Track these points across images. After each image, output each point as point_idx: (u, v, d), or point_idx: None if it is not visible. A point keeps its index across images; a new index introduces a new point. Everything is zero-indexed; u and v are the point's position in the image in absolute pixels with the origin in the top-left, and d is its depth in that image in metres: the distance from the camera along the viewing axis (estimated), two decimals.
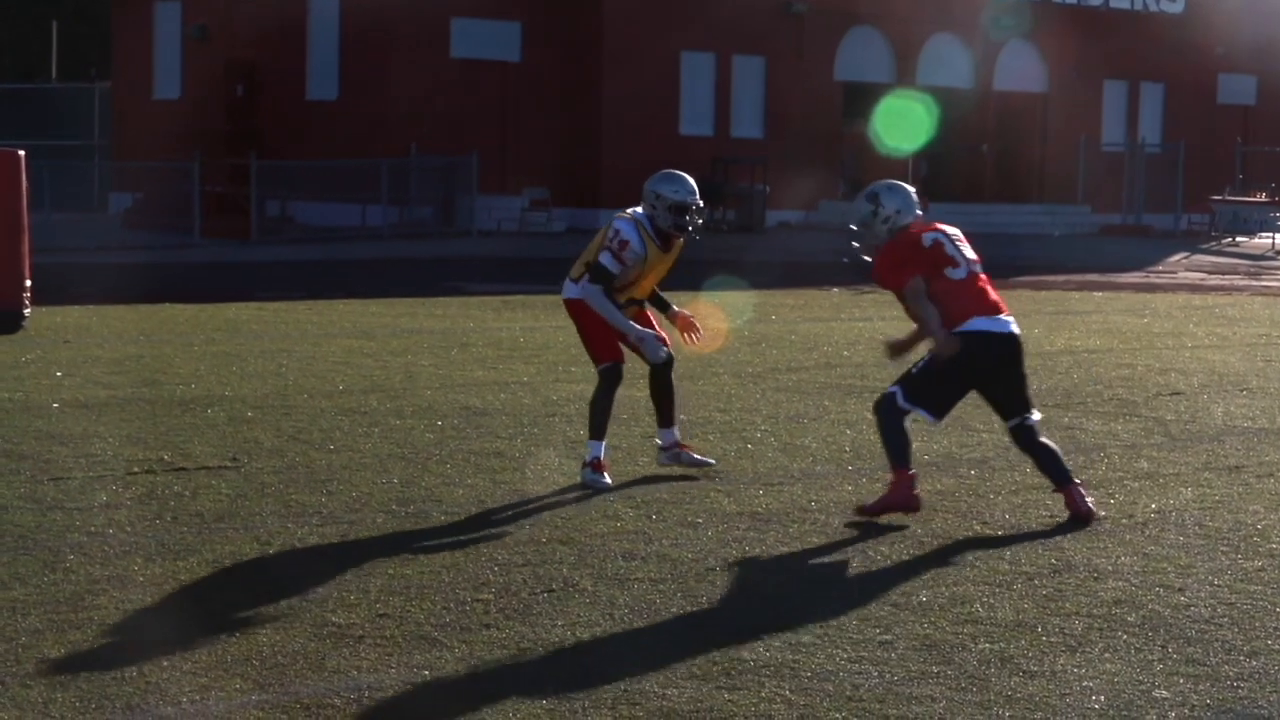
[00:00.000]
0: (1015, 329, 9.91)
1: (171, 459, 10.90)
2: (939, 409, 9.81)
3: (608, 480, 10.41)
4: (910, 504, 9.54)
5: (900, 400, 9.85)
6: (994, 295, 9.94)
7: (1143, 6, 51.40)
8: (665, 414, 11.05)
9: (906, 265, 9.77)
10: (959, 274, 9.73)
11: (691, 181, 11.07)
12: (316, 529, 9.11)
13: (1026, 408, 9.93)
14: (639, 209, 10.99)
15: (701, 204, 10.99)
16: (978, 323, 9.76)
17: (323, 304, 22.64)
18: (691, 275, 27.30)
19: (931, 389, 9.79)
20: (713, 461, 11.08)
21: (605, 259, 10.59)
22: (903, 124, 45.13)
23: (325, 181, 37.72)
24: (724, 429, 12.65)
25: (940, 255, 9.74)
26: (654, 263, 10.92)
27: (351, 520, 9.33)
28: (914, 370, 9.95)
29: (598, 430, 10.61)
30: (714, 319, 16.80)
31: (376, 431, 12.13)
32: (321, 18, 41.39)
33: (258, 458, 11.10)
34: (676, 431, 11.05)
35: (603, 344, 10.97)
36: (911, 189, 9.48)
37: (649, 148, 41.55)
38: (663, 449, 11.04)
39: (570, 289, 11.17)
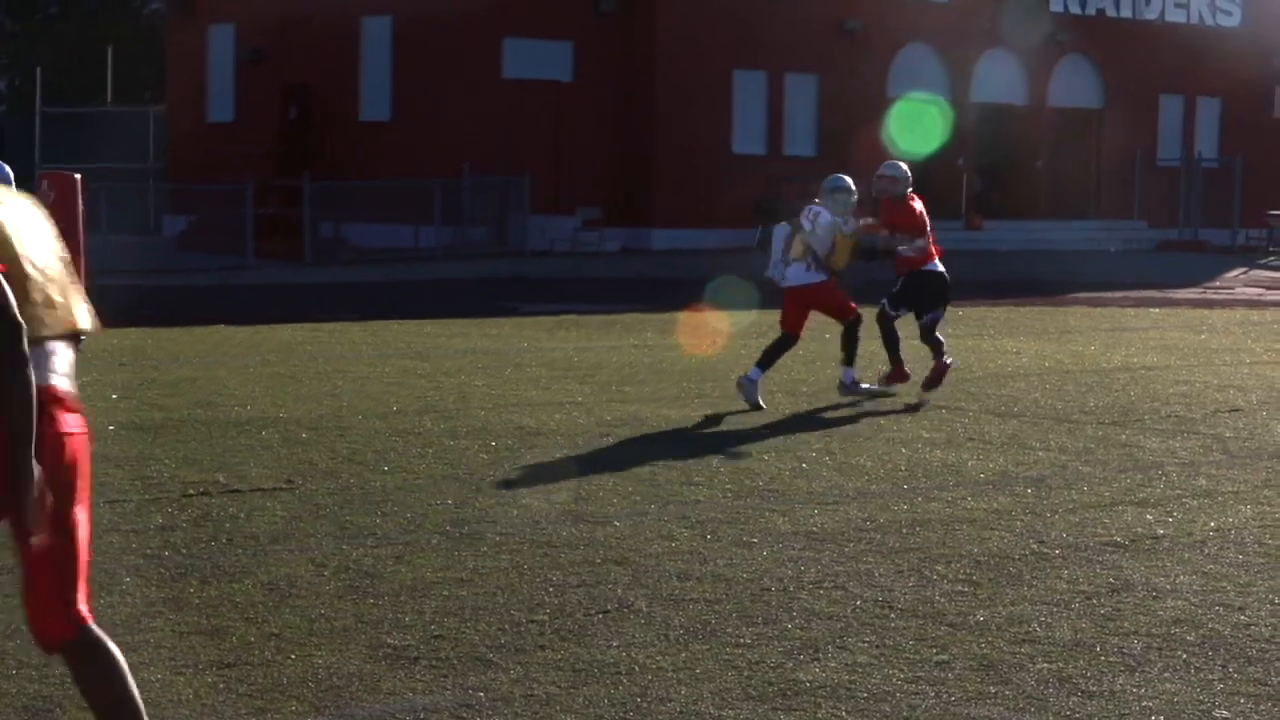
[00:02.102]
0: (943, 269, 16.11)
1: (227, 481, 10.95)
2: (904, 309, 15.96)
3: (865, 386, 15.63)
4: (903, 378, 15.84)
5: (888, 308, 15.98)
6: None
7: (1199, 20, 51.20)
8: (849, 356, 15.57)
9: (913, 218, 16.03)
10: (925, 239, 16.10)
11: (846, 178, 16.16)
12: (371, 550, 9.13)
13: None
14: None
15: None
16: (931, 265, 15.96)
17: (376, 325, 22.71)
18: (747, 294, 27.30)
19: (903, 301, 15.99)
20: (893, 391, 15.76)
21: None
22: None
23: (378, 203, 37.85)
24: (778, 448, 12.63)
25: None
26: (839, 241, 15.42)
27: (406, 541, 9.35)
28: (893, 290, 16.03)
29: (850, 359, 15.57)
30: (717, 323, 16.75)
31: (430, 452, 12.15)
32: (374, 39, 41.56)
33: (312, 479, 11.14)
34: (855, 372, 15.57)
35: (842, 302, 15.62)
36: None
37: (701, 167, 41.59)
38: (842, 384, 15.55)
39: (793, 276, 15.57)
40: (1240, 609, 8.06)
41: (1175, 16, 50.74)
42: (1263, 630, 7.70)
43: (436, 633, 7.57)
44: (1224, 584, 8.53)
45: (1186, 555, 9.18)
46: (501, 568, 8.76)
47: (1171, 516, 10.21)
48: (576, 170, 40.01)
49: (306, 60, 41.65)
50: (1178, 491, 11.07)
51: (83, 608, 5.15)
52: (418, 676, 6.98)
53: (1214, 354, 20.09)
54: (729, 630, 7.66)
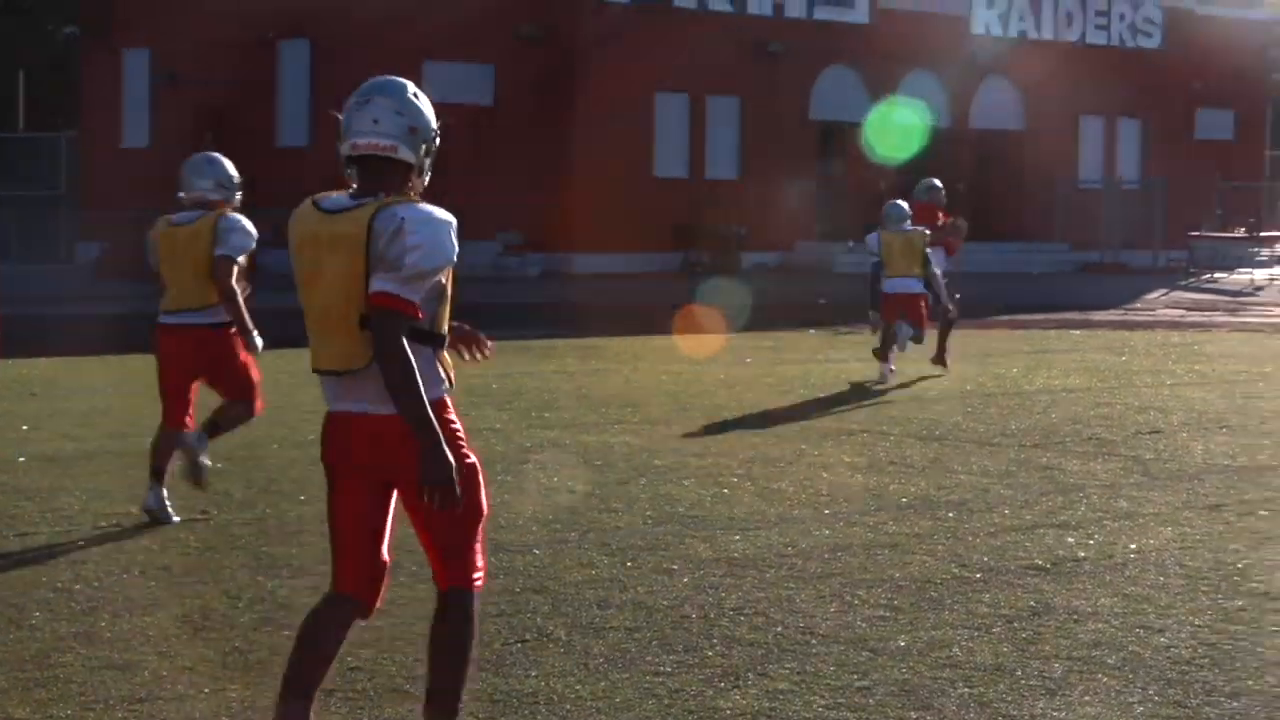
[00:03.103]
0: None
1: (140, 513, 10.86)
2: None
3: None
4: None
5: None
6: None
7: (1119, 42, 51.68)
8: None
9: None
10: None
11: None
12: (287, 581, 9.08)
13: None
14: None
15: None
16: None
17: (294, 353, 22.55)
18: (669, 319, 27.34)
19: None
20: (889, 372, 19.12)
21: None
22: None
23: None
24: (699, 474, 12.64)
25: None
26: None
27: (323, 572, 9.27)
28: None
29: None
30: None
31: None
32: (291, 63, 41.49)
33: (227, 510, 11.08)
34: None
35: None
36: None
37: (623, 190, 41.67)
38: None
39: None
40: (1160, 631, 8.11)
41: (1096, 38, 51.23)
42: (1183, 652, 7.76)
43: (353, 664, 7.53)
44: (1144, 606, 8.59)
45: (1107, 578, 9.23)
46: (419, 597, 8.71)
47: (1092, 539, 10.27)
48: (497, 194, 40.01)
49: (223, 84, 41.50)
50: (1098, 514, 11.14)
51: None
52: (333, 709, 6.94)
53: (1135, 376, 20.25)
54: (649, 658, 7.66)
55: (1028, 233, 48.70)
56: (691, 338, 24.86)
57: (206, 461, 10.89)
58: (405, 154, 5.90)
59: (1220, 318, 32.19)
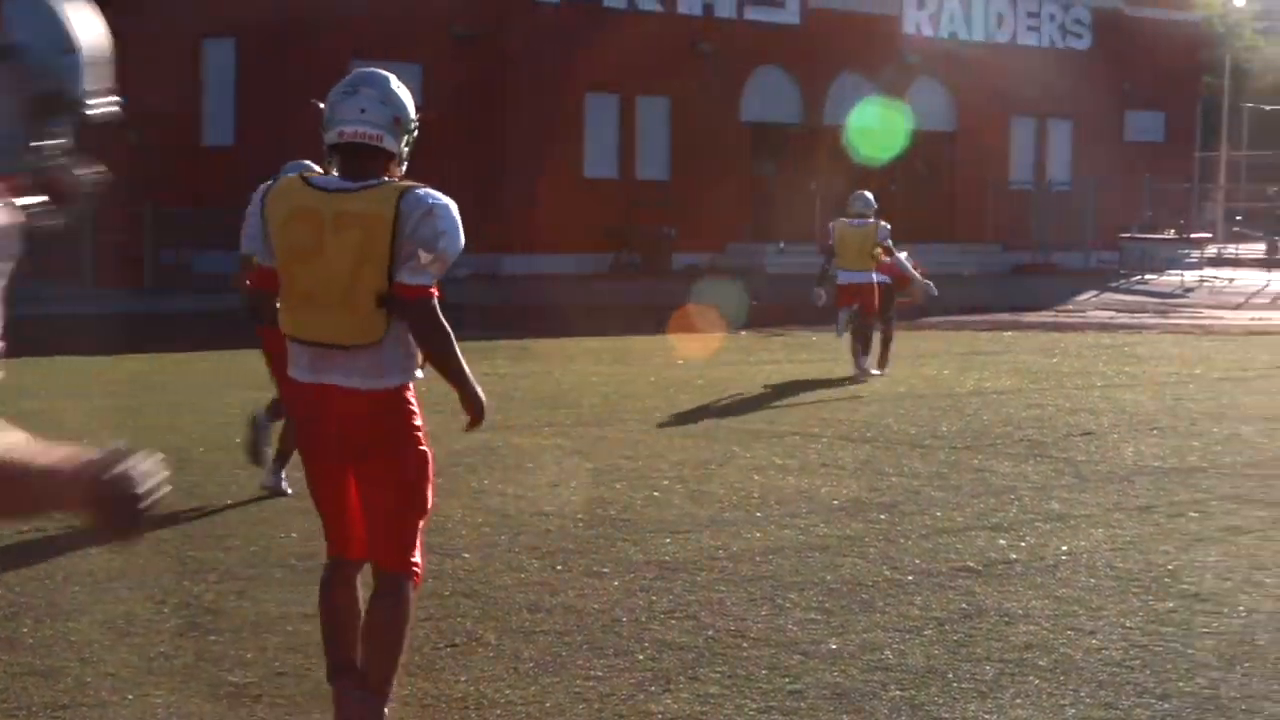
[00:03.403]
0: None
1: (63, 516, 10.74)
2: None
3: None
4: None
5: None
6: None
7: (1050, 43, 51.96)
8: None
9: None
10: None
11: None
12: (213, 585, 9.03)
13: None
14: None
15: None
16: None
17: (221, 354, 22.49)
18: (600, 320, 27.34)
19: None
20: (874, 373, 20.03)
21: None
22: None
23: (223, 229, 37.47)
24: (631, 476, 12.64)
25: None
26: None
27: (249, 576, 9.26)
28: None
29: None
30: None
31: None
32: (217, 62, 41.27)
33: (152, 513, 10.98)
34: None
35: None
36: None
37: (553, 191, 41.63)
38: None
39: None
40: (1092, 633, 8.15)
41: (1027, 39, 51.49)
42: (1114, 654, 7.80)
43: (280, 669, 7.49)
44: (1076, 608, 8.63)
45: (1039, 580, 9.28)
46: None
47: (1024, 541, 10.32)
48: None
49: (147, 84, 41.24)
50: (1030, 515, 11.19)
51: None
52: (260, 715, 6.91)
53: (1066, 377, 20.37)
54: (580, 662, 7.65)
55: (959, 233, 48.92)
56: (623, 339, 24.88)
57: (286, 488, 11.75)
58: (390, 144, 6.22)
59: (1150, 319, 32.40)
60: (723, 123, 45.25)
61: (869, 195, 20.81)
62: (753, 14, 46.05)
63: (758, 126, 46.67)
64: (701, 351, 23.38)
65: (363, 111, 6.16)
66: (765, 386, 18.94)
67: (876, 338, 20.49)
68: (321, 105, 6.31)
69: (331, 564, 6.62)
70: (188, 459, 13.15)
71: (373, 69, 6.44)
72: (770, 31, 46.15)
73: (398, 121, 6.21)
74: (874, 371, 20.29)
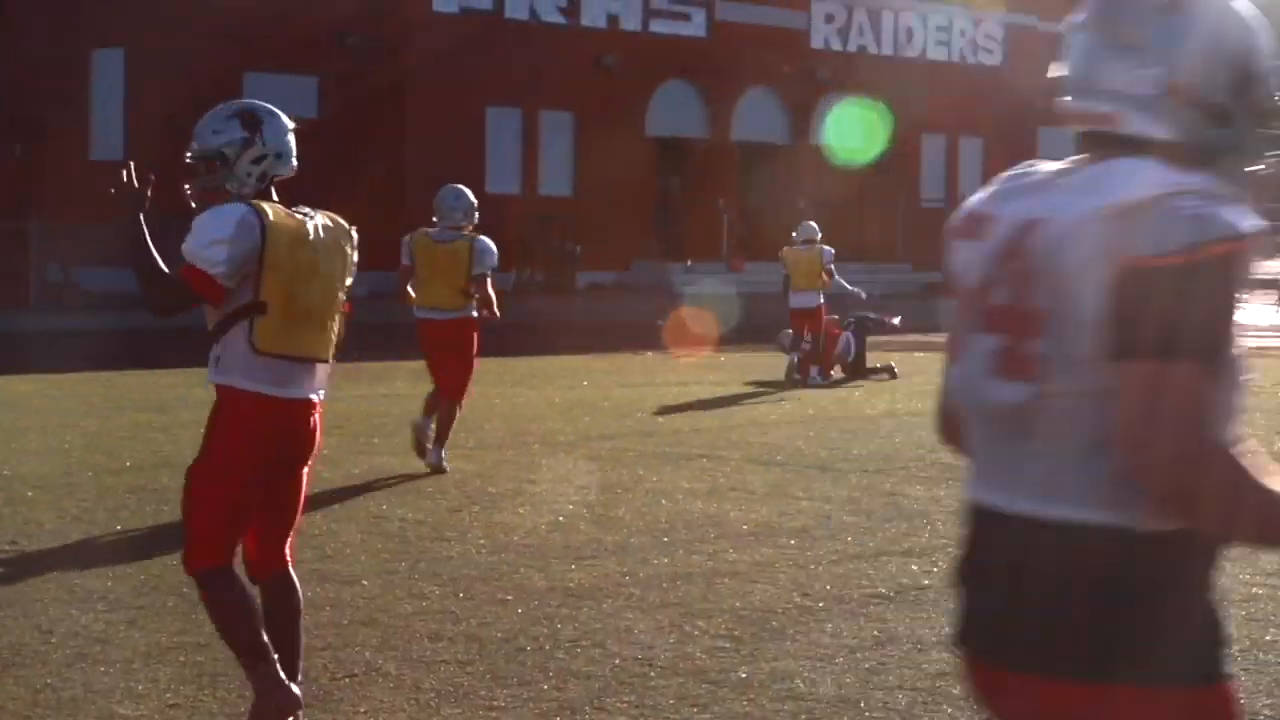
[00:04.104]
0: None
1: None
2: None
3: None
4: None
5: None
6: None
7: (960, 58, 52.37)
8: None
9: None
10: None
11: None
12: (102, 615, 8.95)
13: None
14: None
15: None
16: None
17: (110, 375, 22.32)
18: (503, 341, 27.31)
19: None
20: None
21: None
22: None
23: (111, 245, 37.22)
24: (535, 500, 12.63)
25: None
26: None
27: (140, 605, 9.18)
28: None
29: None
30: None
31: (167, 510, 11.93)
32: (105, 73, 40.99)
33: (38, 540, 10.91)
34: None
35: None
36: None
37: None
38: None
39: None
40: None
41: (937, 54, 51.90)
42: None
43: (172, 701, 7.44)
44: None
45: (952, 606, 9.30)
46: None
47: (937, 566, 10.37)
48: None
49: (34, 94, 40.92)
50: (943, 540, 11.25)
51: None
52: None
53: None
54: (482, 693, 7.63)
55: (869, 253, 49.17)
56: (526, 360, 24.86)
57: (446, 465, 14.12)
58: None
59: None
60: (628, 138, 45.34)
61: (813, 224, 23.93)
62: (658, 27, 46.19)
63: (664, 141, 46.78)
64: (608, 373, 23.39)
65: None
66: (673, 408, 18.98)
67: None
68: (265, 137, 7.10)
69: (221, 571, 6.85)
70: (75, 483, 13.04)
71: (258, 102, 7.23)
72: (676, 45, 46.31)
73: (280, 156, 7.17)
74: (819, 379, 22.65)
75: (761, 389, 21.71)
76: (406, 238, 15.13)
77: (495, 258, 14.72)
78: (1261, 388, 21.82)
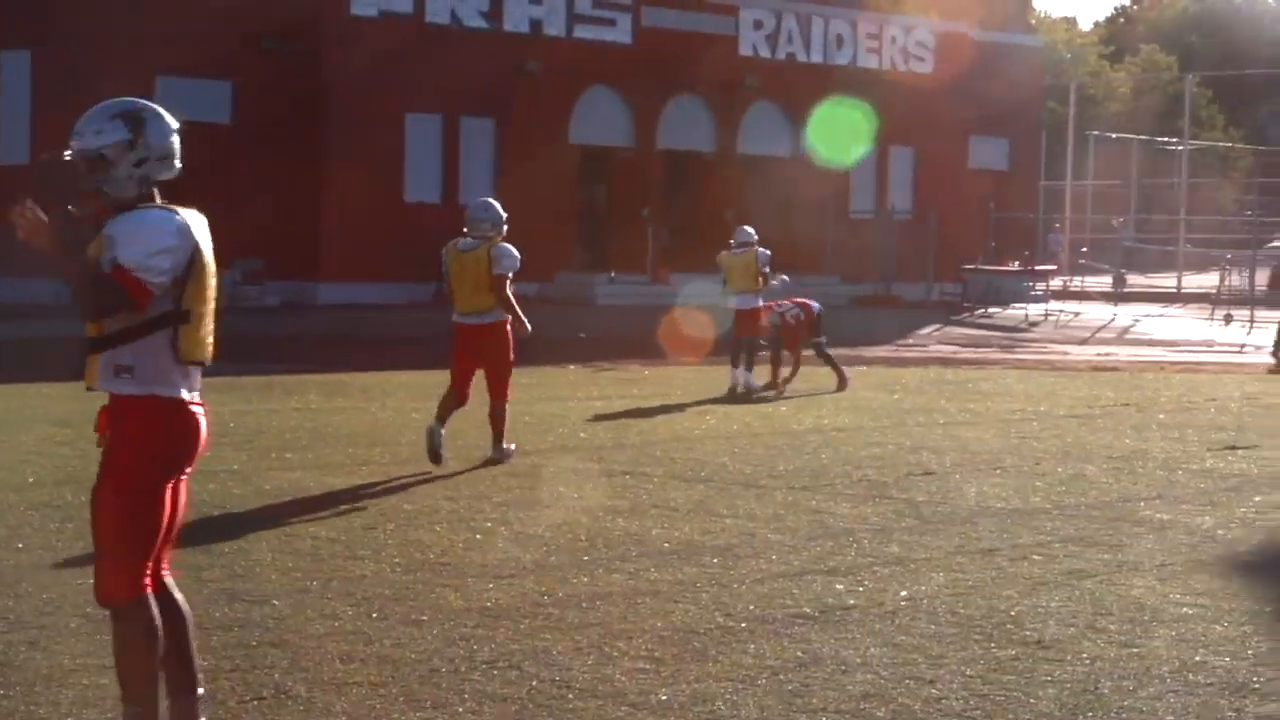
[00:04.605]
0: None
1: None
2: None
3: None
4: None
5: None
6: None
7: (891, 66, 52.56)
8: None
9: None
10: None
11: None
12: (3, 636, 8.88)
13: None
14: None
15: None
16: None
17: (13, 388, 22.16)
18: (420, 353, 27.25)
19: None
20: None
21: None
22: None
23: (16, 253, 36.93)
24: (451, 518, 12.59)
25: None
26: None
27: (42, 625, 9.11)
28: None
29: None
30: None
31: (71, 528, 11.86)
32: (11, 76, 40.72)
33: None
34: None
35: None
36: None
37: (372, 216, 41.45)
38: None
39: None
40: (932, 682, 8.22)
41: (867, 62, 52.07)
42: (954, 704, 7.87)
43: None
44: (915, 656, 8.71)
45: (877, 626, 9.35)
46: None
47: (862, 585, 10.39)
48: (235, 219, 39.55)
49: None
50: (869, 559, 11.28)
51: None
52: None
53: (907, 414, 20.58)
54: (395, 716, 7.60)
55: (797, 264, 49.22)
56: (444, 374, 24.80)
57: (509, 450, 15.95)
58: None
59: (994, 354, 32.84)
60: (551, 145, 45.32)
61: (749, 229, 24.65)
62: (582, 32, 46.21)
63: (588, 150, 46.79)
64: (529, 386, 23.37)
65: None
66: (595, 424, 18.96)
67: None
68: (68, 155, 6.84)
69: (147, 602, 6.82)
70: None
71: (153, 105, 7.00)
72: (601, 51, 46.34)
73: (165, 156, 6.97)
74: (756, 384, 23.39)
75: (686, 404, 21.73)
76: (443, 250, 16.43)
77: (515, 260, 16.00)
78: (1193, 403, 21.99)
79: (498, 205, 16.59)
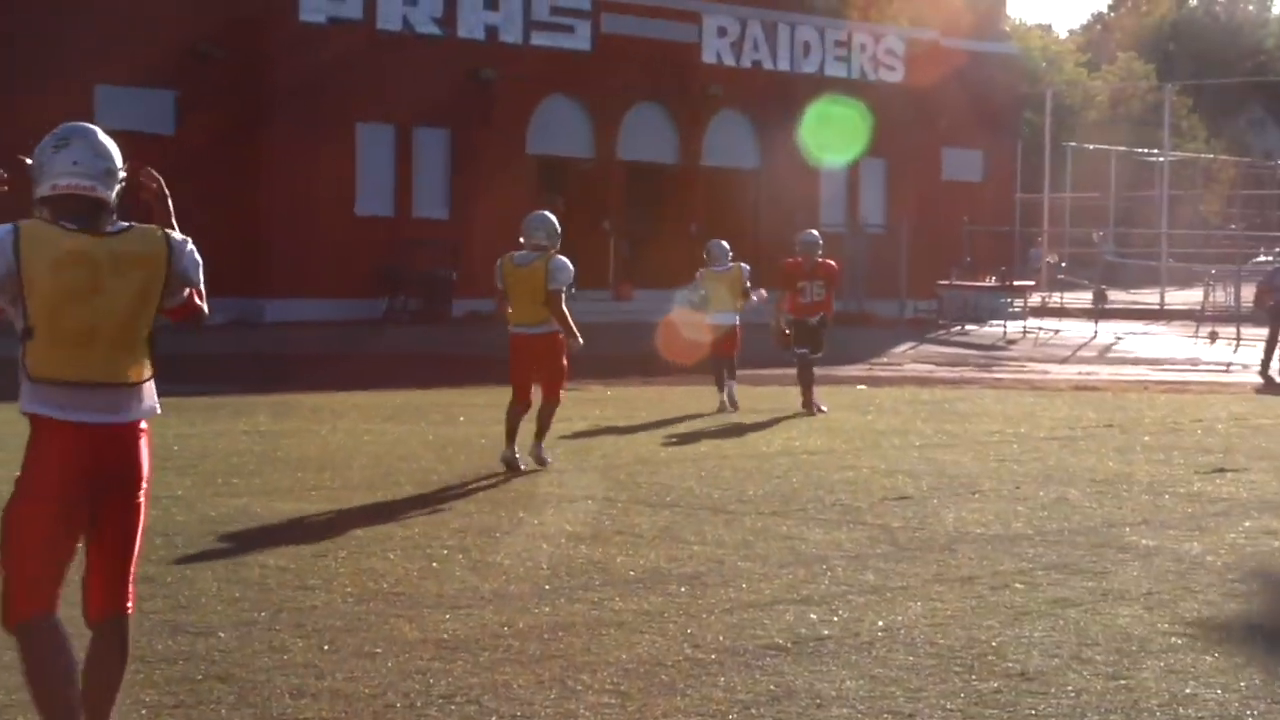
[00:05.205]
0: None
1: None
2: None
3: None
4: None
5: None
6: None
7: (860, 75, 52.63)
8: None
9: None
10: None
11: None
12: None
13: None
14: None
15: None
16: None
17: None
18: (372, 373, 27.17)
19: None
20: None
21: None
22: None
23: None
24: (405, 545, 12.53)
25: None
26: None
27: None
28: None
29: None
30: None
31: None
32: None
33: None
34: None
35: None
36: None
37: (322, 230, 41.37)
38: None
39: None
40: (910, 716, 8.18)
41: (835, 70, 52.13)
42: None
43: None
44: (893, 689, 8.66)
45: (853, 658, 9.30)
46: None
47: (837, 615, 10.35)
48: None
49: None
50: (843, 588, 11.24)
51: None
52: None
53: (881, 436, 20.56)
54: None
55: (764, 279, 49.17)
56: (397, 394, 24.75)
57: (548, 458, 17.25)
58: (103, 193, 6.99)
59: (971, 373, 32.87)
60: (508, 156, 45.28)
61: (724, 243, 25.71)
62: (540, 39, 46.21)
63: (546, 160, 46.76)
64: (485, 408, 23.30)
65: (75, 164, 6.93)
66: (555, 446, 18.90)
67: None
68: (29, 161, 7.05)
69: (37, 624, 6.73)
70: None
71: (81, 123, 7.18)
72: (559, 58, 46.33)
73: (109, 173, 7.02)
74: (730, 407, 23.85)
75: (650, 424, 21.68)
76: (498, 263, 17.50)
77: (569, 274, 17.17)
78: (1179, 424, 22.02)
79: (553, 218, 17.53)
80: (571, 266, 17.26)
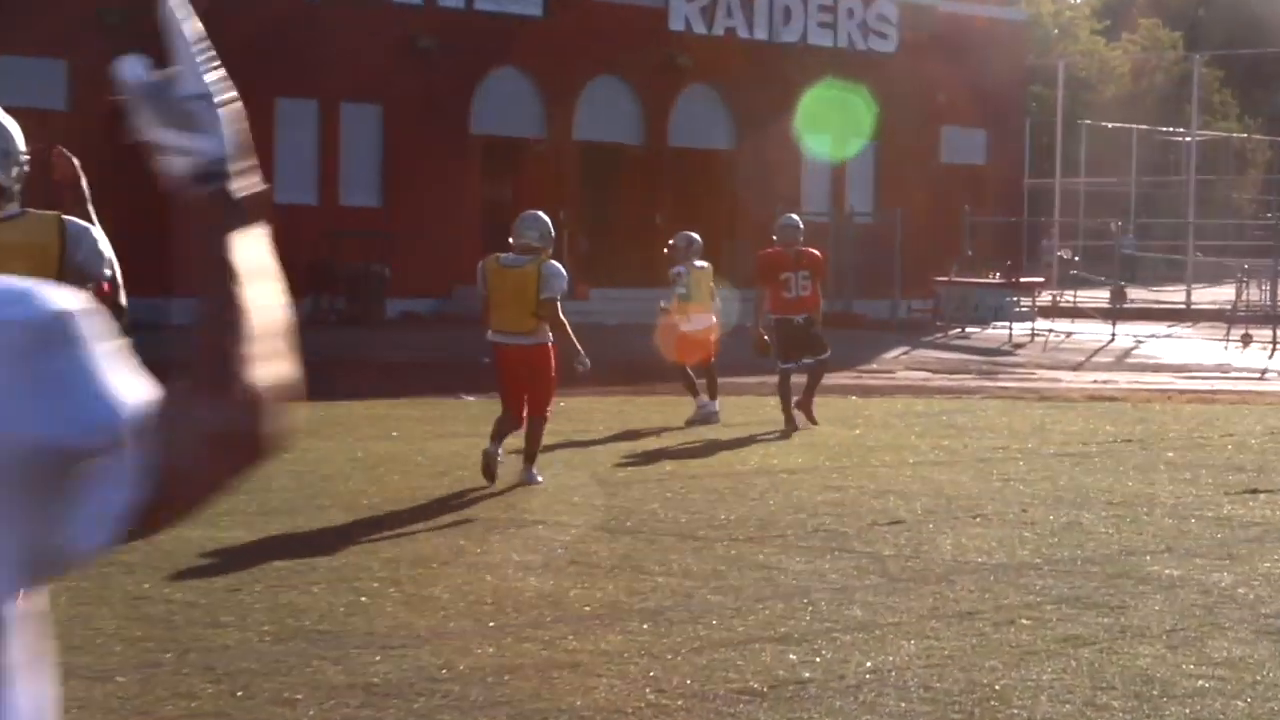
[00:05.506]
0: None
1: None
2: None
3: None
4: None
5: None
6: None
7: (848, 43, 52.66)
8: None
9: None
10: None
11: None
12: None
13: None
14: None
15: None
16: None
17: None
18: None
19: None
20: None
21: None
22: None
23: None
24: (330, 577, 12.53)
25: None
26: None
27: None
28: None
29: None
30: None
31: None
32: None
33: None
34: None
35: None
36: None
37: None
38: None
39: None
40: None
41: (820, 39, 52.16)
42: None
43: None
44: None
45: (838, 703, 9.32)
46: None
47: (820, 656, 10.37)
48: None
49: None
50: (827, 624, 11.27)
51: None
52: None
53: (870, 453, 20.59)
54: None
55: (739, 275, 49.24)
56: (322, 406, 24.72)
57: (539, 479, 17.36)
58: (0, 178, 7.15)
59: (973, 382, 32.92)
60: (448, 137, 45.26)
61: (695, 235, 26.07)
62: (485, 4, 46.21)
63: (492, 141, 46.76)
64: (422, 422, 23.31)
65: None
66: (500, 464, 18.90)
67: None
68: None
69: None
70: None
71: None
72: (507, 26, 46.33)
73: (6, 154, 7.15)
74: (713, 409, 24.18)
75: (607, 439, 21.71)
76: (480, 264, 17.93)
77: (564, 281, 17.46)
78: (1206, 439, 22.10)
79: (547, 218, 17.93)
80: (565, 273, 17.57)
